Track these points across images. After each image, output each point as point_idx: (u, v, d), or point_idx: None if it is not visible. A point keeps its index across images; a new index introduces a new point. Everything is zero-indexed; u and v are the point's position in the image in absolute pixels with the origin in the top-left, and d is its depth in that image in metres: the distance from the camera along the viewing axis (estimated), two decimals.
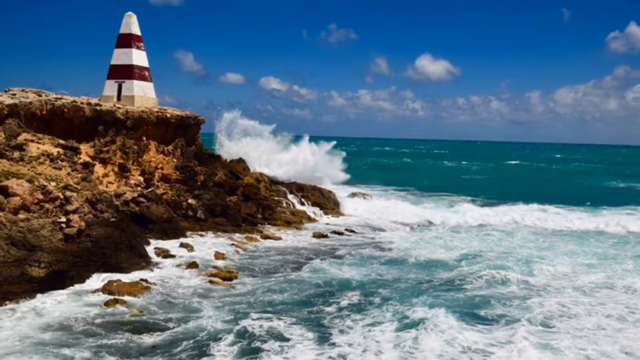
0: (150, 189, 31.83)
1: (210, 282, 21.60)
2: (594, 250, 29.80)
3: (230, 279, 22.22)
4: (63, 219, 22.58)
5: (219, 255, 25.59)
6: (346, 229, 34.79)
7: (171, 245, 26.68)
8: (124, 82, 37.38)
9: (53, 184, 25.02)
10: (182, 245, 26.89)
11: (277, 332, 16.52)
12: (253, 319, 17.37)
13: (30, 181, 23.78)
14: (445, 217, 39.97)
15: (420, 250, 28.72)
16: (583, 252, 29.11)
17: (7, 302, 17.88)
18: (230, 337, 15.95)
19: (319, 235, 32.21)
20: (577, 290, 21.73)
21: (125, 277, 20.97)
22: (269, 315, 17.92)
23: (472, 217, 39.91)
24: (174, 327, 16.77)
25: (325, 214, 40.00)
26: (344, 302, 19.48)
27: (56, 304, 18.24)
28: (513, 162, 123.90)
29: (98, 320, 17.00)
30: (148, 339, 15.83)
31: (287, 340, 15.95)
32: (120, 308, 18.11)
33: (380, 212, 41.39)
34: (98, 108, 31.79)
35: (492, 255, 27.46)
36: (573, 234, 34.94)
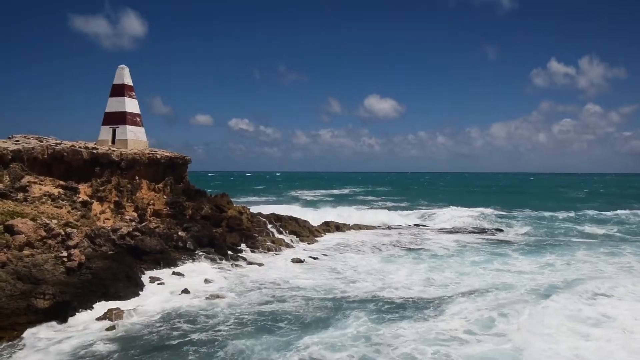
0: (143, 224, 31.41)
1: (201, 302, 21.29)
2: None
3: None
4: (65, 254, 22.13)
5: (207, 282, 25.31)
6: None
7: (164, 274, 26.31)
8: (117, 127, 37.10)
9: (55, 221, 24.53)
10: (174, 273, 26.55)
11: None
12: None
13: (33, 220, 23.29)
14: None
15: None
16: None
17: (15, 332, 17.41)
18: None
19: (297, 261, 31.94)
20: None
21: (123, 305, 20.58)
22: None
23: None
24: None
25: (302, 241, 39.85)
26: None
27: (61, 332, 17.81)
28: None
29: (100, 345, 16.66)
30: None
31: None
32: (120, 332, 17.74)
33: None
34: (95, 151, 31.45)
35: None
36: None
